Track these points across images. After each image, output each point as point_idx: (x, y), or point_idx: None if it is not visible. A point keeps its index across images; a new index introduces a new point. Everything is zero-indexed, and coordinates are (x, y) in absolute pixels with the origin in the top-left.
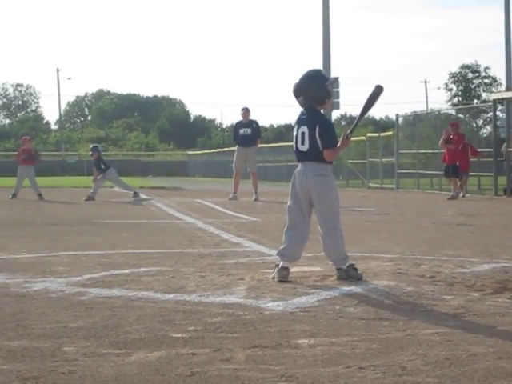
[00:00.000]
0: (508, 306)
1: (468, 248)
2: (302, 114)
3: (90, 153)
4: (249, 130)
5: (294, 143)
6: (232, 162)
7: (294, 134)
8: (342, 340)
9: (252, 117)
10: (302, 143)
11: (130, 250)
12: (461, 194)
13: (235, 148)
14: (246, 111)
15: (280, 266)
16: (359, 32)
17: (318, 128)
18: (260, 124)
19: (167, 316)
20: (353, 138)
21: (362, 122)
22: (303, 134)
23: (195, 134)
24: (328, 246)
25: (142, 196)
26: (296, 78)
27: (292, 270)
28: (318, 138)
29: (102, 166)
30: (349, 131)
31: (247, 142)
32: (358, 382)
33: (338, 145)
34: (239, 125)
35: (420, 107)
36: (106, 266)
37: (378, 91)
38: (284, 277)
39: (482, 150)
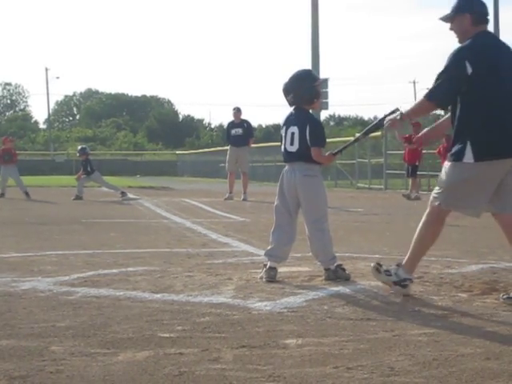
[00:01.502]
0: (496, 307)
1: (456, 249)
2: (291, 114)
3: (77, 154)
4: (240, 130)
5: (282, 144)
6: (221, 162)
7: (283, 134)
8: (329, 340)
9: (241, 117)
10: (291, 143)
11: (118, 249)
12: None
13: (227, 148)
14: (237, 111)
15: (268, 267)
16: (349, 32)
17: (308, 128)
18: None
19: (155, 316)
20: (342, 139)
21: (349, 122)
22: (293, 134)
23: (184, 134)
24: (316, 246)
25: (130, 195)
26: (286, 77)
27: (280, 270)
28: (308, 138)
29: (88, 169)
30: (338, 150)
31: (239, 141)
32: (345, 382)
33: (326, 154)
34: (231, 125)
35: None
36: (94, 265)
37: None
38: (272, 277)
39: None
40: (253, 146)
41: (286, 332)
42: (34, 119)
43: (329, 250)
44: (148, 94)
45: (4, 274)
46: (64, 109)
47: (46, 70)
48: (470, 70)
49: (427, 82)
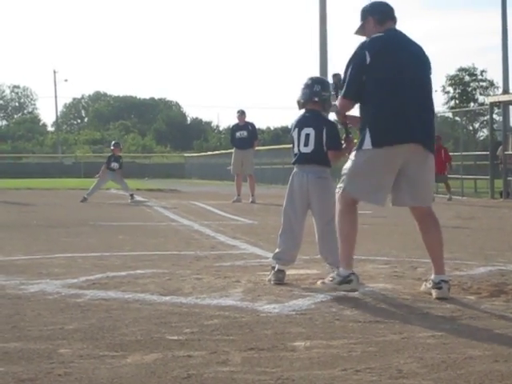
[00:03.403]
0: (504, 309)
1: (464, 251)
2: (304, 116)
3: (112, 148)
4: (245, 133)
5: (295, 146)
6: (228, 165)
7: (295, 136)
8: (338, 343)
9: (249, 119)
10: (306, 145)
11: (127, 252)
12: (447, 196)
13: (233, 150)
14: (241, 114)
15: (276, 269)
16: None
17: (325, 130)
18: (256, 126)
19: (163, 318)
20: None
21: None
22: (308, 135)
23: (192, 137)
24: (326, 248)
25: (138, 198)
26: (306, 77)
27: (288, 272)
28: (324, 140)
29: (117, 165)
30: (346, 134)
31: (244, 144)
32: None
33: (344, 146)
34: (235, 127)
35: None
36: (103, 267)
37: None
38: (280, 279)
39: (479, 152)
40: (261, 148)
41: (294, 334)
42: (42, 122)
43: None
44: (156, 97)
45: (12, 277)
46: (72, 111)
47: (54, 72)
48: (368, 59)
49: (435, 84)
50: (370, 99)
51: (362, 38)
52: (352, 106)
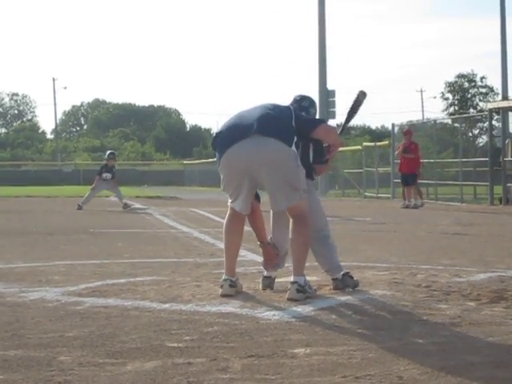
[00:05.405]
0: (504, 316)
1: (464, 257)
2: None
3: (106, 158)
4: None
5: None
6: None
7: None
8: (338, 349)
9: None
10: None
11: (126, 259)
12: (419, 202)
13: None
14: None
15: (263, 276)
16: (356, 41)
17: (311, 144)
18: None
19: (163, 325)
20: (349, 148)
21: (357, 131)
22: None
23: (191, 144)
24: (322, 255)
25: (137, 205)
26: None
27: (288, 279)
28: (311, 155)
29: (109, 175)
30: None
31: None
32: None
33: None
34: None
35: (416, 116)
36: (102, 275)
37: (361, 97)
38: (267, 285)
39: (478, 159)
40: None
41: (294, 341)
42: (41, 129)
43: (335, 258)
44: (155, 104)
45: (12, 285)
46: (71, 119)
47: (54, 79)
48: None
49: (434, 91)
50: None
51: None
52: None
